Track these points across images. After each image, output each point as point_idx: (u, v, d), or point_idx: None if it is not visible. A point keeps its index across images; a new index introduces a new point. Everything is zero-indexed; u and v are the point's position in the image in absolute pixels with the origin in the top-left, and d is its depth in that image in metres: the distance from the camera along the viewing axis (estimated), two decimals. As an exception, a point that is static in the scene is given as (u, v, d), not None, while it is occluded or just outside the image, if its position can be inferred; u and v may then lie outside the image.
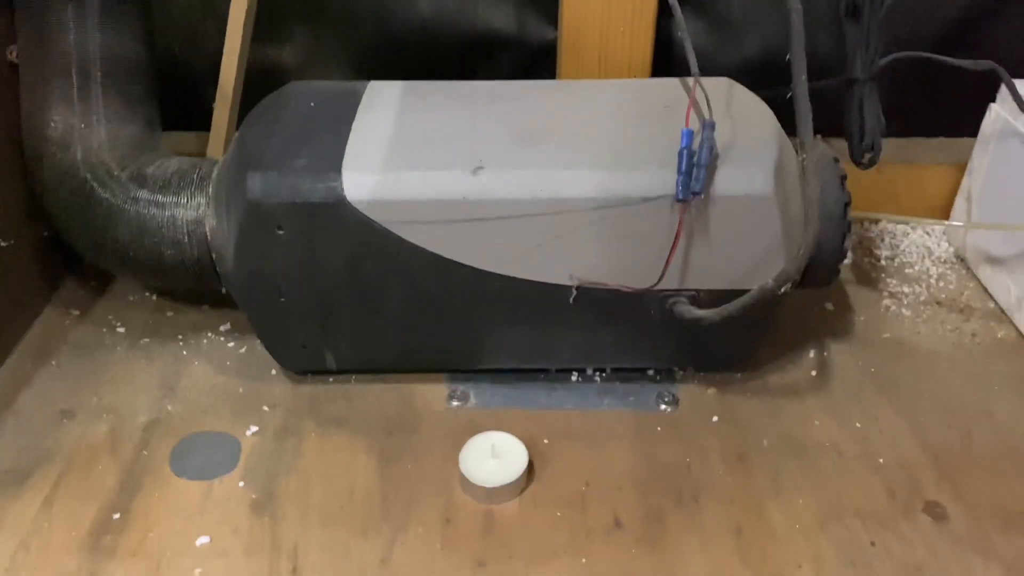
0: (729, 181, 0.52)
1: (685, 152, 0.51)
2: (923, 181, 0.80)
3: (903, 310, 0.70)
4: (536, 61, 0.78)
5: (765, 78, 0.64)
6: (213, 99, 0.73)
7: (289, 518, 0.52)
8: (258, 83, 0.75)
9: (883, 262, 0.76)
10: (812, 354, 0.66)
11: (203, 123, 0.79)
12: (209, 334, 0.67)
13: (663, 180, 0.52)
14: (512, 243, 0.54)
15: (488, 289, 0.56)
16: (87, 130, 0.61)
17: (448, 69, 0.78)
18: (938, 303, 0.71)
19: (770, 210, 0.53)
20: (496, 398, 0.62)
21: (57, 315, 0.69)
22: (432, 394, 0.62)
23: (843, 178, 0.58)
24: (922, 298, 0.72)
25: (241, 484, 0.55)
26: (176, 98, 0.72)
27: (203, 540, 0.51)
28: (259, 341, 0.64)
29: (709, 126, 0.52)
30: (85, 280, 0.73)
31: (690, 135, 0.52)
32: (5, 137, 0.63)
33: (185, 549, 0.50)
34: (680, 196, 0.51)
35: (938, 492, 0.54)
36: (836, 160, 0.59)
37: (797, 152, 0.56)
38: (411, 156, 0.54)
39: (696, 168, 0.51)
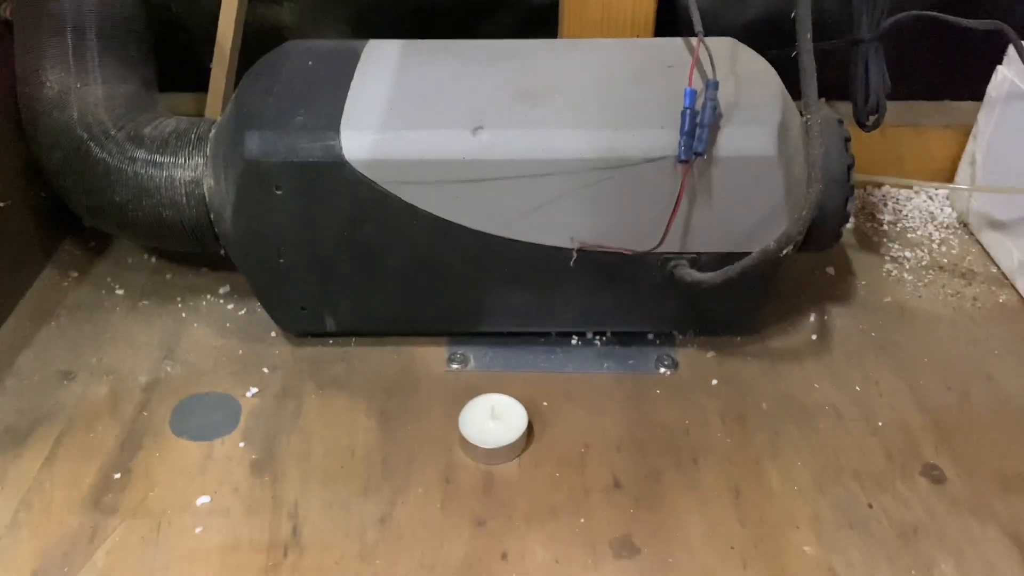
0: (732, 142, 0.52)
1: (688, 112, 0.51)
2: (927, 145, 0.79)
3: (904, 274, 0.70)
4: (537, 20, 0.77)
5: (769, 39, 0.63)
6: (211, 59, 0.72)
7: (290, 478, 0.53)
8: (255, 42, 0.75)
9: (885, 226, 0.76)
10: (813, 318, 0.65)
11: (201, 84, 0.78)
12: (208, 296, 0.67)
13: (665, 140, 0.52)
14: (512, 204, 0.54)
15: (487, 251, 0.56)
16: (83, 90, 0.61)
17: (448, 27, 0.77)
18: (940, 268, 0.71)
19: (773, 171, 0.52)
20: (496, 361, 0.62)
21: (56, 276, 0.69)
22: (432, 357, 0.62)
23: (847, 140, 0.58)
24: (924, 262, 0.72)
25: (241, 444, 0.55)
26: (173, 59, 0.71)
27: (204, 499, 0.51)
28: (258, 303, 0.64)
29: (712, 86, 0.51)
30: (83, 242, 0.73)
31: (693, 95, 0.51)
32: (1, 97, 0.63)
33: (186, 508, 0.51)
34: (682, 157, 0.51)
35: (936, 455, 0.54)
36: (840, 122, 0.59)
37: (801, 113, 0.55)
38: (410, 115, 0.54)
39: (699, 128, 0.50)
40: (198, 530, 0.49)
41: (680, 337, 0.63)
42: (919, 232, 0.75)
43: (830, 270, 0.70)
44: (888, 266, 0.71)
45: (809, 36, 0.50)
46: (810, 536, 0.49)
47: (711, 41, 0.55)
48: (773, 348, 0.63)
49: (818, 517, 0.50)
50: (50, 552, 0.48)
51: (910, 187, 0.80)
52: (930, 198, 0.79)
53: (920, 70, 0.80)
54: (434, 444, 0.55)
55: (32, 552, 0.48)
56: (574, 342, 0.63)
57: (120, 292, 0.68)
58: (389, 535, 0.49)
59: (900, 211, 0.78)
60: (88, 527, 0.49)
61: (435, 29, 0.77)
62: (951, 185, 0.78)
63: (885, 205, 0.79)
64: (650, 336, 0.63)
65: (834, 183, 0.56)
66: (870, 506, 0.51)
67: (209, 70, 0.72)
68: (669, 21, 0.73)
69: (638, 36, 0.72)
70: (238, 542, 0.49)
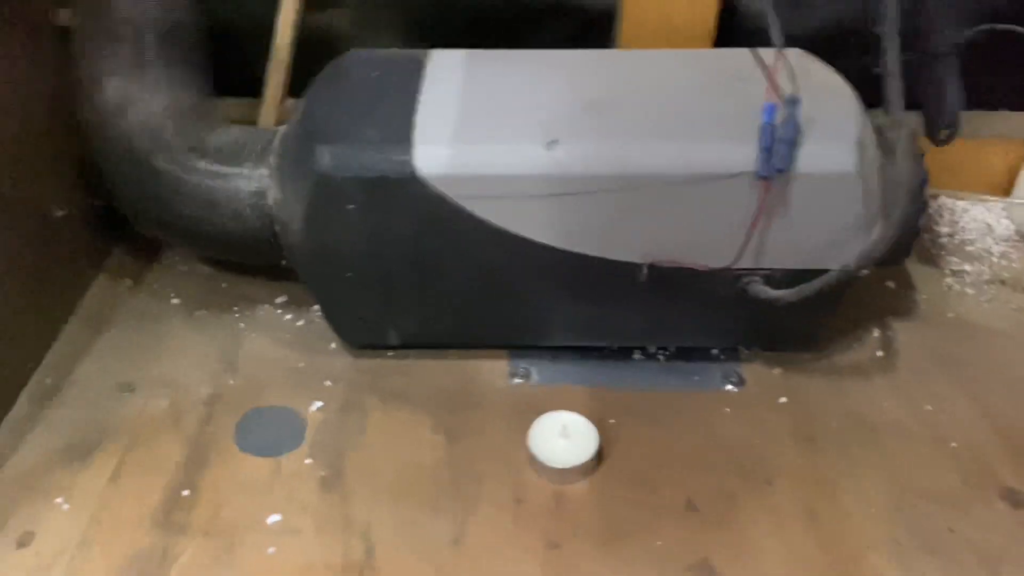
0: (812, 158, 0.51)
1: (768, 127, 0.50)
2: (985, 155, 0.78)
3: (966, 289, 0.69)
4: (592, 29, 0.76)
5: (832, 49, 0.62)
6: (260, 65, 0.71)
7: (359, 496, 0.52)
8: (306, 50, 0.74)
9: (943, 239, 0.75)
10: (876, 334, 0.65)
11: (249, 90, 0.77)
12: (265, 306, 0.66)
13: (744, 156, 0.51)
14: (584, 219, 0.53)
15: (557, 266, 0.55)
16: (143, 98, 0.60)
17: (502, 36, 0.76)
18: (1001, 282, 0.70)
19: (853, 189, 0.51)
20: (558, 375, 0.61)
21: (109, 285, 0.69)
22: (493, 370, 0.61)
23: (921, 155, 0.57)
24: (984, 276, 0.70)
25: (308, 461, 0.54)
26: (223, 65, 0.70)
27: (274, 518, 0.50)
28: (317, 315, 0.64)
29: (793, 101, 0.50)
30: (135, 249, 0.72)
31: (772, 110, 0.50)
32: (59, 104, 0.62)
33: (257, 527, 0.50)
34: (763, 173, 0.50)
35: (1014, 477, 0.53)
36: (914, 136, 0.58)
37: (880, 129, 0.54)
38: (483, 129, 0.53)
39: (780, 144, 0.50)
40: (270, 550, 0.49)
41: (745, 352, 0.62)
42: (977, 245, 0.74)
43: (890, 284, 0.69)
44: (949, 280, 0.70)
45: (897, 53, 0.49)
46: (890, 561, 0.49)
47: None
48: (839, 365, 0.62)
49: (897, 541, 0.50)
50: (123, 572, 0.47)
51: (966, 199, 0.79)
52: (987, 209, 0.78)
53: (976, 80, 0.79)
54: (502, 462, 0.54)
55: (104, 571, 0.47)
56: (636, 357, 0.62)
57: (176, 301, 0.67)
58: (463, 557, 0.49)
59: (957, 223, 0.77)
60: (159, 546, 0.49)
61: (488, 37, 0.75)
62: (1009, 199, 0.77)
63: (941, 216, 0.78)
64: (714, 351, 0.62)
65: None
66: (950, 531, 0.50)
67: (259, 76, 0.71)
68: (727, 32, 0.72)
69: (698, 46, 0.71)
70: (312, 563, 0.48)
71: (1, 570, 0.48)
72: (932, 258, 0.73)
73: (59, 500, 0.51)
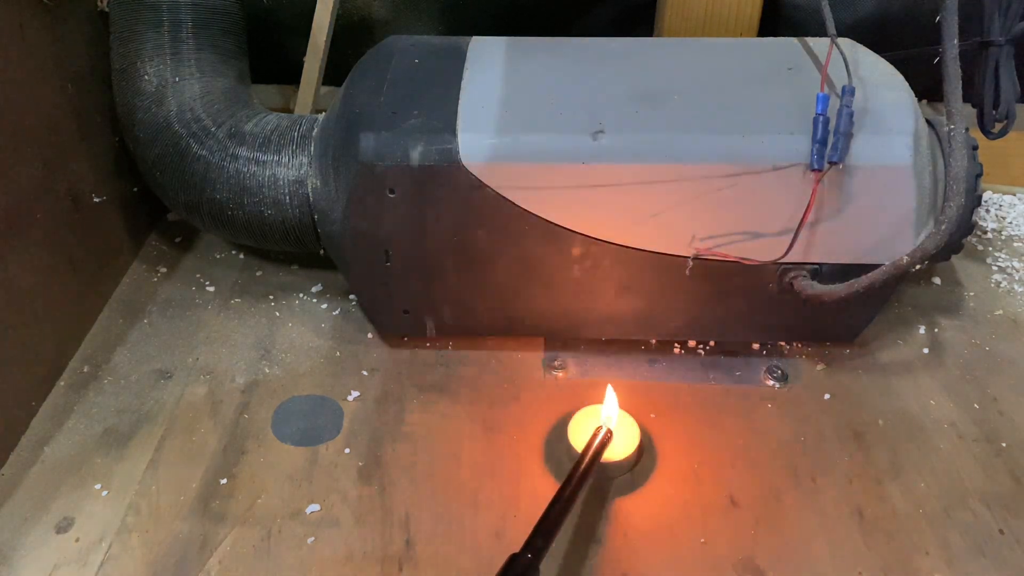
0: (867, 150, 0.49)
1: (821, 119, 0.49)
2: (1033, 149, 0.76)
3: (1015, 286, 0.67)
4: (633, 17, 0.74)
5: (878, 39, 0.61)
6: (295, 51, 0.71)
7: (398, 487, 0.51)
8: (342, 36, 0.73)
9: (989, 234, 0.73)
10: (922, 330, 0.63)
11: (284, 76, 0.77)
12: (301, 295, 0.66)
13: (796, 148, 0.50)
14: (630, 211, 0.52)
15: (599, 258, 0.54)
16: (180, 84, 0.60)
17: (541, 23, 0.75)
18: (1050, 279, 0.68)
19: (907, 182, 0.50)
20: (596, 368, 0.60)
21: (144, 272, 0.69)
22: (530, 362, 0.60)
23: (974, 148, 0.55)
24: (1033, 273, 0.69)
25: (347, 451, 0.54)
26: (260, 50, 0.70)
27: (313, 508, 0.50)
28: (353, 304, 0.63)
29: (848, 91, 0.49)
30: (169, 236, 0.72)
31: (826, 100, 0.49)
32: (91, 88, 0.62)
33: (295, 516, 0.50)
34: (816, 165, 0.49)
35: (1067, 479, 0.52)
36: (966, 129, 0.56)
37: (934, 122, 0.53)
38: (527, 118, 0.52)
39: (836, 136, 0.48)
40: (310, 540, 0.48)
41: (787, 347, 0.61)
42: (1025, 240, 0.73)
43: (936, 280, 0.68)
44: (996, 276, 0.68)
45: (956, 41, 0.48)
46: (940, 563, 0.47)
47: (827, 43, 0.53)
48: (884, 361, 0.61)
49: (947, 543, 0.48)
50: (162, 560, 0.47)
51: (1013, 193, 0.77)
52: (1035, 204, 0.77)
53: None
54: (541, 455, 0.54)
55: (144, 560, 0.47)
56: (676, 350, 0.61)
57: (211, 289, 0.67)
58: (505, 550, 0.47)
59: (1004, 218, 0.75)
60: (198, 535, 0.49)
61: (527, 25, 0.75)
62: (1059, 192, 0.75)
63: (987, 211, 0.76)
64: (755, 346, 0.61)
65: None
66: (1001, 533, 0.49)
67: (294, 63, 0.71)
68: (771, 20, 0.71)
69: (742, 35, 0.69)
70: (351, 554, 0.48)
71: (41, 555, 0.48)
72: (979, 254, 0.71)
73: (98, 486, 0.51)
